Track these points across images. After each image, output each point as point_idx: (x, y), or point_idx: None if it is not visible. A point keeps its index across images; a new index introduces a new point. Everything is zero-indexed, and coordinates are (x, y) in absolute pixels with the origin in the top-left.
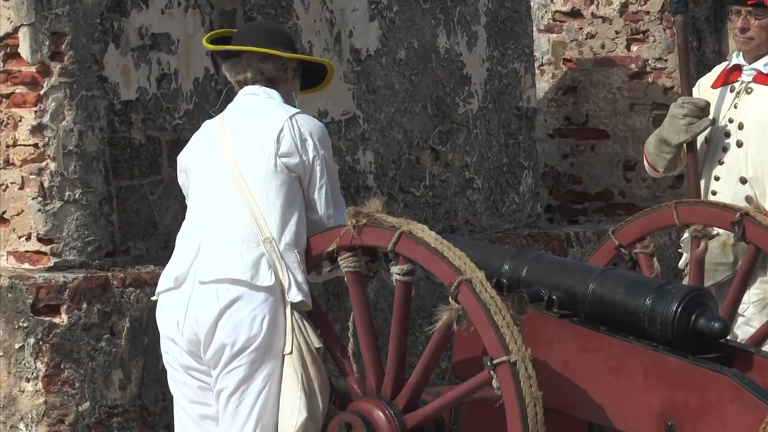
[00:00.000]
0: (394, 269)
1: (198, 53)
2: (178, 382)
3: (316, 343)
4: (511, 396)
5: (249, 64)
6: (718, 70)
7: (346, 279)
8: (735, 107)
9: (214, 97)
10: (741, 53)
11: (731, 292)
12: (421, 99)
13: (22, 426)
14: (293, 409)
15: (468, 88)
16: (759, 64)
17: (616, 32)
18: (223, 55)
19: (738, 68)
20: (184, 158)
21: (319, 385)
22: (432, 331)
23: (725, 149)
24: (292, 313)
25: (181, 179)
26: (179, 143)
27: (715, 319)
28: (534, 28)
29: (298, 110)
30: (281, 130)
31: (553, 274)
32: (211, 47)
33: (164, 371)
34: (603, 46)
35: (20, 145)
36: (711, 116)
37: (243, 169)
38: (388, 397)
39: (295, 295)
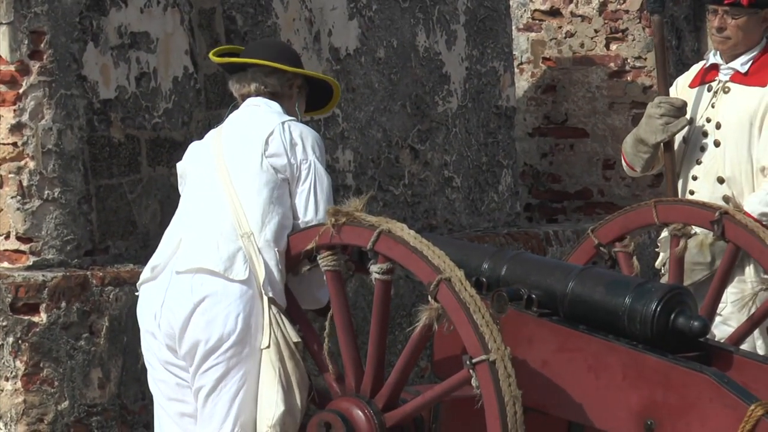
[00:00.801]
0: (374, 268)
1: (177, 52)
2: (156, 380)
3: (294, 337)
4: (490, 395)
5: (253, 78)
6: (695, 69)
7: (324, 278)
8: (712, 107)
9: (193, 96)
10: (718, 52)
11: (710, 290)
12: (400, 98)
13: (1, 425)
14: (270, 402)
15: (447, 87)
16: (736, 64)
17: (595, 31)
18: (229, 69)
19: (715, 67)
20: (181, 164)
21: (297, 380)
22: (412, 330)
23: (703, 149)
24: (269, 308)
25: (180, 184)
26: (158, 142)
27: (694, 318)
28: (513, 27)
29: (294, 118)
30: (271, 133)
31: (532, 273)
32: (217, 60)
33: (143, 370)
34: (582, 45)
35: None
36: (688, 115)
37: (230, 167)
38: (367, 396)
39: (269, 290)
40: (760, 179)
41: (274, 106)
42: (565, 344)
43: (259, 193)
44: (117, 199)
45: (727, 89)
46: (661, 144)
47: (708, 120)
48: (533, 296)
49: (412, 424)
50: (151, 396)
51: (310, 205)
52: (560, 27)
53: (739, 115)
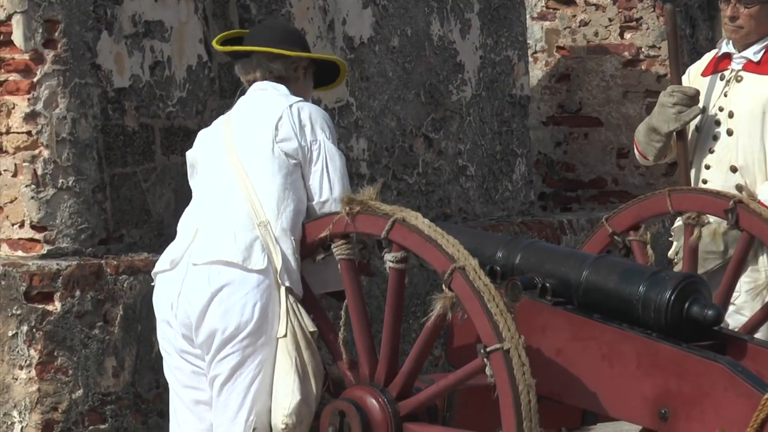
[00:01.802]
0: (388, 257)
1: (191, 41)
2: (172, 367)
3: (311, 327)
4: (504, 383)
5: (258, 64)
6: (707, 57)
7: (339, 266)
8: (725, 96)
9: (207, 85)
10: (731, 41)
11: (724, 279)
12: (414, 86)
13: (15, 413)
14: (286, 391)
15: (461, 76)
16: (749, 53)
17: (610, 20)
18: (233, 55)
19: (728, 56)
20: (191, 153)
21: (313, 369)
22: (426, 319)
23: (716, 138)
24: (287, 297)
25: (189, 173)
26: (172, 130)
27: (708, 306)
28: (527, 16)
29: (301, 99)
30: (280, 117)
31: (546, 262)
32: (221, 48)
33: (158, 358)
34: (596, 34)
35: (13, 132)
36: (701, 104)
37: (242, 156)
38: (381, 384)
39: (287, 279)
40: None
41: (281, 89)
42: (580, 333)
43: (273, 181)
44: (131, 188)
45: (739, 78)
46: (674, 133)
47: (720, 109)
48: (547, 285)
49: (426, 412)
50: (166, 384)
51: (325, 184)
52: (574, 16)
53: (751, 104)
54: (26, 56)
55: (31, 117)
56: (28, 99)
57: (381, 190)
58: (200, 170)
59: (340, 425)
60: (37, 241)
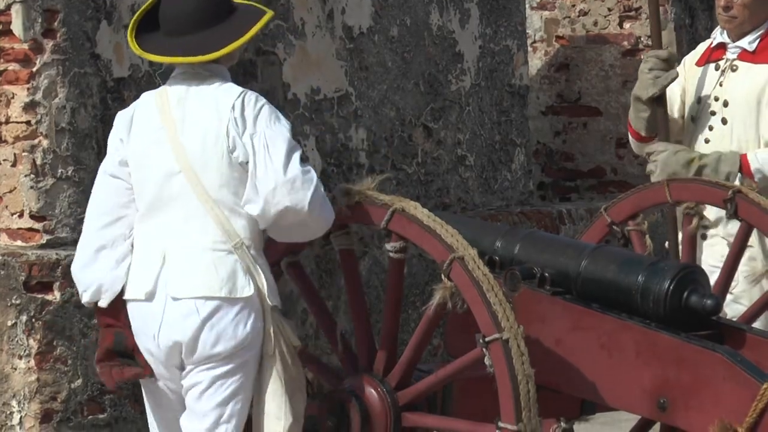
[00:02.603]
0: (387, 247)
1: None
2: (148, 388)
3: (295, 341)
4: (503, 373)
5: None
6: (702, 47)
7: (338, 257)
8: (720, 85)
9: None
10: (725, 31)
11: (723, 269)
12: (413, 76)
13: (14, 403)
14: (278, 414)
15: (460, 66)
16: (744, 42)
17: (609, 9)
18: (144, 29)
19: (722, 46)
20: (120, 145)
21: (298, 386)
22: (425, 309)
23: (711, 128)
24: (272, 316)
25: (111, 164)
26: None
27: (707, 296)
28: (527, 6)
29: (241, 92)
30: (228, 121)
31: (545, 252)
32: (138, 52)
33: None
34: (595, 24)
35: (13, 122)
36: (696, 95)
37: (196, 167)
38: (380, 374)
39: (272, 299)
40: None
41: (216, 70)
42: (579, 322)
43: (237, 194)
44: None
45: (734, 67)
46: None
47: (716, 98)
48: (546, 275)
49: (425, 402)
50: None
51: (270, 173)
52: (573, 5)
53: (746, 93)
54: (25, 46)
55: (30, 107)
56: (28, 89)
57: (380, 181)
58: (142, 174)
59: (339, 415)
60: (37, 230)
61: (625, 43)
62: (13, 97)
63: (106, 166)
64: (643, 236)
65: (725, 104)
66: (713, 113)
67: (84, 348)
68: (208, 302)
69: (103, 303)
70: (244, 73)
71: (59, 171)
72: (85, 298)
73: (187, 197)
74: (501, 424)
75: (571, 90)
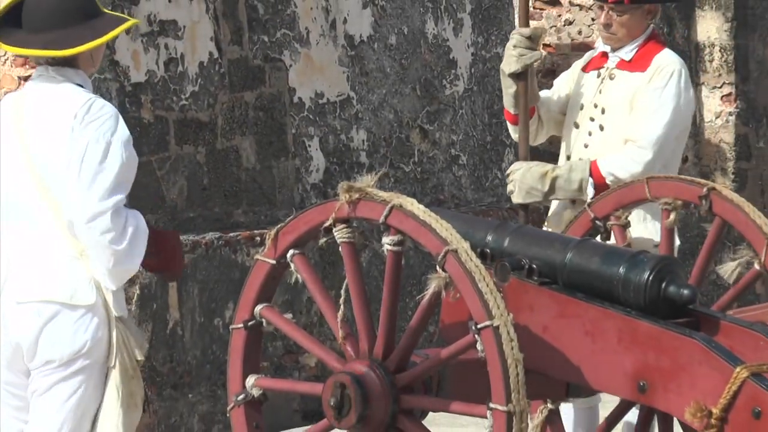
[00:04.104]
0: (386, 240)
1: (202, 39)
2: None
3: (138, 355)
4: (494, 358)
5: (36, 58)
6: (590, 54)
7: (340, 249)
8: (600, 92)
9: (217, 80)
10: None
11: (698, 261)
12: (410, 81)
13: None
14: (111, 426)
15: (454, 72)
16: (622, 52)
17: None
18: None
19: (605, 55)
20: None
21: (136, 399)
22: (421, 297)
23: (590, 133)
24: (117, 326)
25: None
26: (185, 122)
27: (684, 286)
28: (516, 16)
29: (89, 100)
30: (70, 135)
31: (533, 245)
32: (5, 47)
33: (172, 334)
34: (580, 32)
35: None
36: (583, 100)
37: (47, 177)
38: (379, 358)
39: (117, 309)
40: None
41: (74, 77)
42: (564, 311)
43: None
44: (147, 176)
45: (612, 76)
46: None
47: (595, 105)
48: (534, 266)
49: (422, 384)
50: (179, 358)
51: (76, 188)
52: (560, 15)
53: (622, 101)
54: None
55: None
56: None
57: (379, 178)
58: None
59: (341, 397)
60: None
61: None
62: None
63: None
64: (624, 230)
65: (603, 111)
66: (592, 119)
67: None
68: (49, 306)
69: None
70: (253, 78)
71: None
72: None
73: (35, 204)
74: (492, 405)
75: None
